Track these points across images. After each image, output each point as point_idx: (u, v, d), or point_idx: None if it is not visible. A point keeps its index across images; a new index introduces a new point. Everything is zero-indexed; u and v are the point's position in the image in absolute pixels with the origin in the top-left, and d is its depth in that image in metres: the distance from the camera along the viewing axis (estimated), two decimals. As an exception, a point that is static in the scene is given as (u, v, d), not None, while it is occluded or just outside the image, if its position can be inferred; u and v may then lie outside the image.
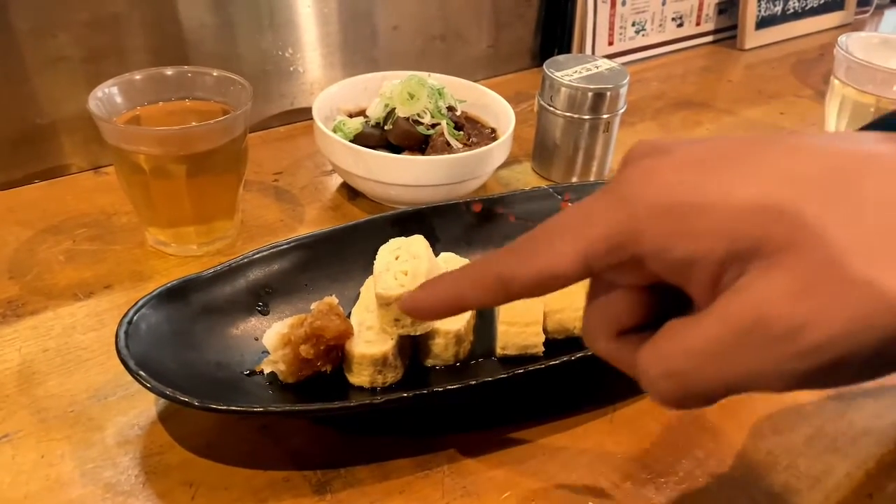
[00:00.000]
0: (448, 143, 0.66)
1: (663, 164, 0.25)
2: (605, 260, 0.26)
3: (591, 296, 0.29)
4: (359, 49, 0.83)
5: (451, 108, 0.69)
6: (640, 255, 0.25)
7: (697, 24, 1.09)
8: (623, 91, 0.69)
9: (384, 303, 0.45)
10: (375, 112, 0.68)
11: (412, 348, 0.48)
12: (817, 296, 0.22)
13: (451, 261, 0.53)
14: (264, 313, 0.51)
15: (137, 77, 0.58)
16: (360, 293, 0.51)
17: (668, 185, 0.25)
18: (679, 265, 0.24)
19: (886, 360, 0.23)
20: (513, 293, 0.28)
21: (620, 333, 0.28)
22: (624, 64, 0.73)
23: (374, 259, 0.48)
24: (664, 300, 0.27)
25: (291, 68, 0.79)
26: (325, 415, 0.46)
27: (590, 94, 0.68)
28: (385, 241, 0.50)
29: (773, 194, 0.23)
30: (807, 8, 1.16)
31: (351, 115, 0.71)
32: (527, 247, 0.27)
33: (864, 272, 0.22)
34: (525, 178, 0.74)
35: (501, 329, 0.48)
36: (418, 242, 0.49)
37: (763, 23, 1.10)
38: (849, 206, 0.22)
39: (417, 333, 0.46)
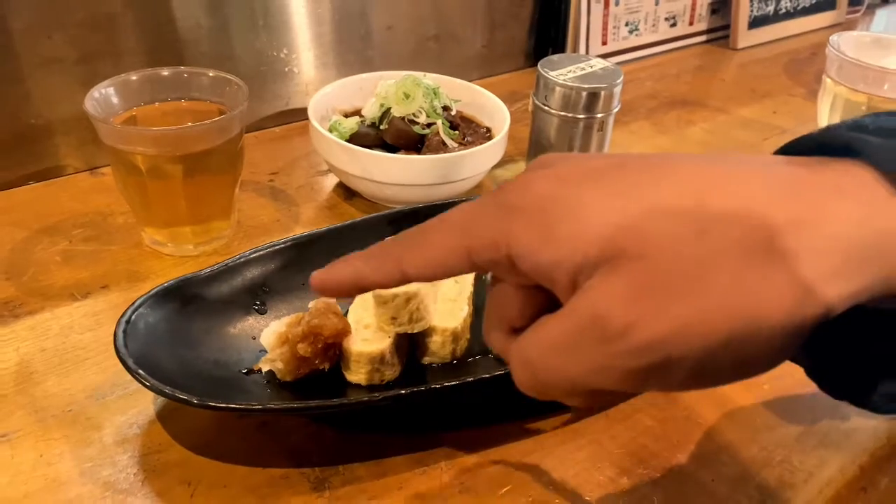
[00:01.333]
0: (443, 143, 0.66)
1: (540, 175, 0.28)
2: (484, 256, 0.28)
3: (489, 292, 0.31)
4: (353, 49, 0.83)
5: (446, 108, 0.70)
6: (512, 256, 0.27)
7: (690, 23, 1.09)
8: (617, 90, 0.69)
9: (381, 301, 0.46)
10: (371, 112, 0.68)
11: (409, 346, 0.49)
12: (648, 299, 0.24)
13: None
14: (262, 312, 0.51)
15: (134, 77, 0.58)
16: (357, 292, 0.51)
17: (538, 196, 0.27)
18: (543, 268, 0.26)
19: (718, 367, 0.25)
20: (407, 277, 0.30)
21: (513, 331, 0.30)
22: (618, 63, 0.73)
23: (371, 258, 0.48)
24: (551, 302, 0.29)
25: (286, 69, 0.80)
26: (323, 412, 0.46)
27: (584, 93, 0.68)
28: (381, 239, 0.50)
29: (626, 210, 0.25)
30: (799, 8, 1.17)
31: (346, 115, 0.71)
32: (421, 236, 0.30)
33: (692, 285, 0.24)
34: (520, 177, 0.75)
35: (498, 326, 0.48)
36: (415, 241, 0.49)
37: (755, 22, 1.11)
38: (690, 225, 0.24)
39: (414, 331, 0.47)
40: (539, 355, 0.27)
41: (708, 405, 0.49)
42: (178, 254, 0.59)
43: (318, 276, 0.32)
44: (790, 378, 0.51)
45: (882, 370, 0.29)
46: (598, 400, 0.29)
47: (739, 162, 0.26)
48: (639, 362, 0.24)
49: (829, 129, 0.29)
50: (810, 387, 0.50)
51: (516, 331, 0.30)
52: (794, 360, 0.28)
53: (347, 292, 0.32)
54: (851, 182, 0.25)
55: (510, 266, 0.27)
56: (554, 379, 0.27)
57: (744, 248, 0.24)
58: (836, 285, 0.24)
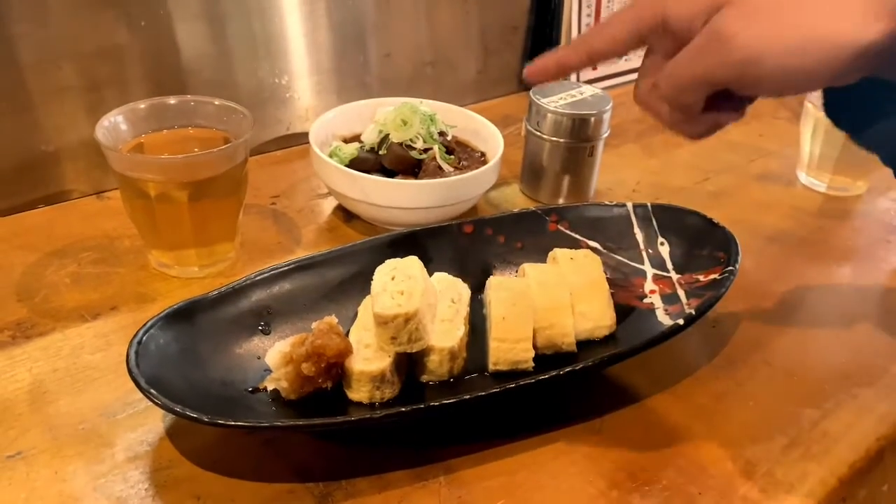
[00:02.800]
0: (440, 167, 0.69)
1: None
2: (649, 23, 0.42)
3: (642, 66, 0.45)
4: (352, 76, 0.86)
5: (442, 134, 0.72)
6: (666, 18, 0.41)
7: (678, 48, 1.12)
8: (606, 116, 0.72)
9: (382, 322, 0.47)
10: (370, 137, 0.70)
11: (408, 365, 0.51)
12: (748, 19, 0.37)
13: (443, 280, 0.56)
14: (266, 333, 0.53)
15: (142, 106, 0.61)
16: (358, 312, 0.53)
17: None
18: (684, 20, 0.40)
19: (789, 72, 0.37)
20: (593, 54, 0.44)
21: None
22: (608, 87, 0.76)
23: (371, 280, 0.50)
24: None
25: (287, 95, 0.82)
26: (326, 429, 0.48)
27: (575, 119, 0.71)
28: (381, 262, 0.52)
29: None
30: (783, 32, 1.20)
31: (346, 141, 0.73)
32: (603, 23, 0.44)
33: (778, 11, 0.37)
34: (514, 199, 0.77)
35: (493, 345, 0.50)
36: (413, 263, 0.51)
37: (741, 47, 1.14)
38: None
39: (413, 351, 0.49)
40: (676, 65, 0.40)
41: (694, 421, 0.51)
42: (184, 276, 0.61)
43: (530, 68, 0.47)
44: (773, 394, 0.54)
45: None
46: (713, 120, 0.44)
47: None
48: (738, 55, 0.37)
49: None
50: (794, 403, 0.53)
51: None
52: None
53: (554, 75, 0.47)
54: None
55: (664, 29, 0.41)
56: (685, 80, 0.40)
57: None
58: (882, 24, 0.35)
